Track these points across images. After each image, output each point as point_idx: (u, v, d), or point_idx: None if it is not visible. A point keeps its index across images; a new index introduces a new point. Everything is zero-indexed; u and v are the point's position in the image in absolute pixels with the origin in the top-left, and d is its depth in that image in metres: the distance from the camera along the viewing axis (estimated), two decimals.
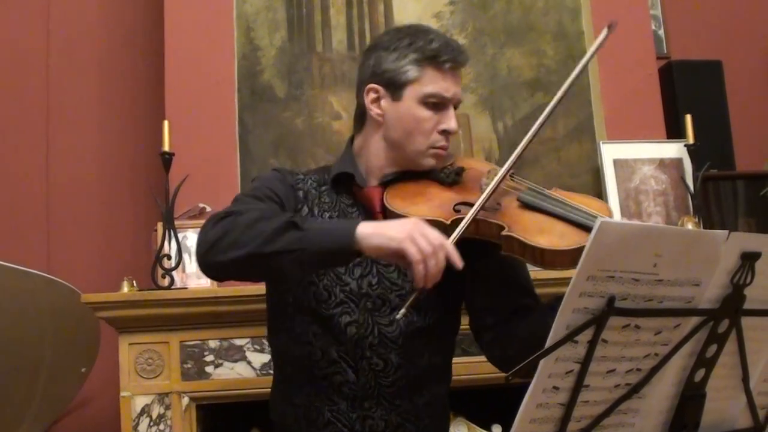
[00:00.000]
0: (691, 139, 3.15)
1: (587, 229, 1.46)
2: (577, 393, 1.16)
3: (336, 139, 3.19)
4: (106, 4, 3.56)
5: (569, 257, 1.46)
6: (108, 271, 3.16)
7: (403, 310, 1.43)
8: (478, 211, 1.51)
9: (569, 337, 1.12)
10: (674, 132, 3.35)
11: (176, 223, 2.79)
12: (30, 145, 3.44)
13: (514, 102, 3.33)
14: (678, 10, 3.86)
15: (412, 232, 1.40)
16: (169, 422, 2.68)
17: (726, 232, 1.17)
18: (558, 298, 1.54)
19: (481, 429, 2.87)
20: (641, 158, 3.26)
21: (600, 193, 3.26)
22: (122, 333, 2.71)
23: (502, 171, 1.56)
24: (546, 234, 1.48)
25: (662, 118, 3.34)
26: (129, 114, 3.48)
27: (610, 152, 3.25)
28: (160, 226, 2.86)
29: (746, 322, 1.25)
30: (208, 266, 1.52)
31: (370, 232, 1.41)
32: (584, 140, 3.32)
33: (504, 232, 1.49)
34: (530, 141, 1.62)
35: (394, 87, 1.64)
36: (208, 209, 2.92)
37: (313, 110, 3.17)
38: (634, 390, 1.21)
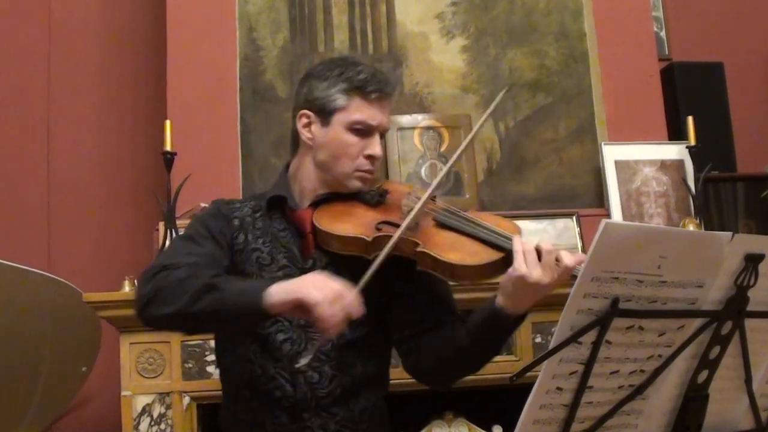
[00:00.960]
0: (692, 141, 3.15)
1: (494, 246, 1.60)
2: (581, 394, 1.16)
3: None
4: (108, 4, 3.56)
5: (477, 272, 1.60)
6: (109, 271, 3.16)
7: (305, 360, 1.55)
8: (404, 230, 1.62)
9: (573, 338, 1.13)
10: (675, 133, 3.35)
11: (178, 222, 2.79)
12: (31, 145, 3.44)
13: (516, 103, 3.33)
14: (680, 12, 3.87)
15: (315, 281, 1.50)
16: (170, 422, 2.68)
17: (730, 233, 1.17)
18: (468, 311, 1.66)
19: (481, 430, 2.87)
20: (642, 159, 3.26)
21: (601, 194, 3.26)
22: (123, 332, 2.71)
23: (424, 197, 1.68)
24: (457, 251, 1.61)
25: (663, 119, 3.34)
26: (131, 114, 3.48)
27: (612, 153, 3.25)
28: (161, 225, 2.87)
29: (749, 323, 1.25)
30: (145, 321, 1.65)
31: (276, 289, 1.51)
32: (586, 141, 3.32)
33: (418, 249, 1.61)
34: (450, 168, 1.77)
35: (324, 113, 1.76)
36: None
37: None
38: (638, 391, 1.21)
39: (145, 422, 2.68)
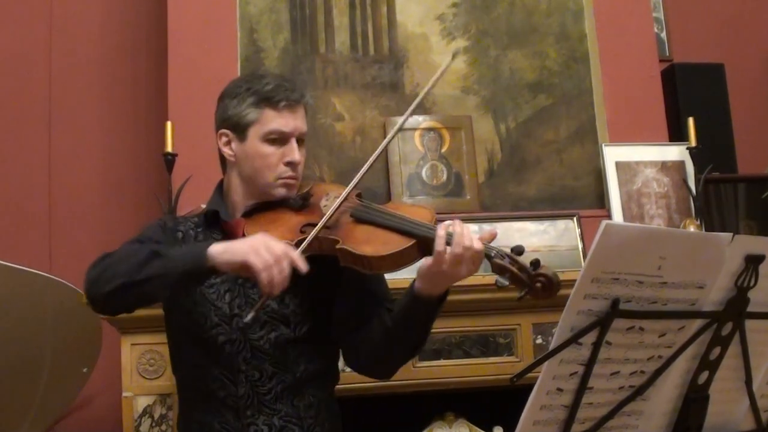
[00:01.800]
0: (693, 142, 3.16)
1: (406, 234, 1.66)
2: (581, 395, 1.17)
3: (338, 140, 3.20)
4: (109, 6, 3.56)
5: (390, 261, 1.65)
6: None
7: (251, 314, 1.64)
8: (319, 230, 1.71)
9: (574, 339, 1.13)
10: (676, 134, 3.35)
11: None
12: (32, 146, 3.44)
13: (517, 104, 3.33)
14: (680, 13, 3.87)
15: (256, 245, 1.59)
16: (170, 423, 2.68)
17: (730, 235, 1.17)
18: (394, 302, 1.74)
19: (482, 431, 2.87)
20: (643, 161, 3.26)
21: (602, 195, 3.26)
22: (124, 333, 2.71)
23: (341, 196, 1.77)
24: (371, 243, 1.68)
25: (664, 120, 3.34)
26: (132, 115, 3.48)
27: (613, 154, 3.25)
28: None
29: (750, 324, 1.25)
30: (93, 302, 1.74)
31: (220, 249, 1.62)
32: (586, 142, 3.32)
33: (337, 246, 1.69)
34: (365, 172, 1.80)
35: (239, 129, 1.84)
36: None
37: (315, 111, 3.17)
38: (638, 392, 1.22)
39: (146, 423, 2.68)
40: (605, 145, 3.26)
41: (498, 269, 1.55)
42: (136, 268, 1.65)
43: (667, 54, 3.78)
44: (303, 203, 1.85)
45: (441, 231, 1.58)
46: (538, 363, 1.15)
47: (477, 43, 3.35)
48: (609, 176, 3.23)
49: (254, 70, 1.99)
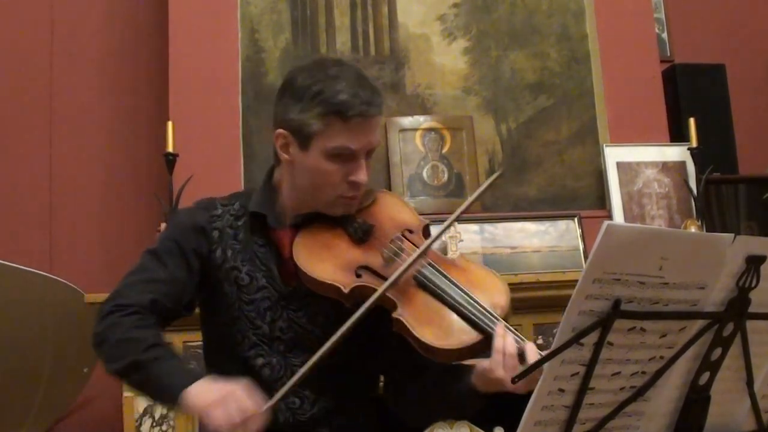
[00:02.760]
0: (694, 143, 3.16)
1: (475, 326, 1.50)
2: (583, 395, 1.16)
3: None
4: (110, 6, 3.56)
5: (452, 356, 1.50)
6: (111, 272, 3.14)
7: None
8: (380, 296, 1.52)
9: (575, 340, 1.13)
10: (677, 135, 3.35)
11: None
12: (33, 146, 3.44)
13: (518, 104, 3.33)
14: (681, 14, 3.87)
15: (226, 401, 1.42)
16: (171, 423, 2.68)
17: (731, 235, 1.17)
18: (455, 368, 1.57)
19: (482, 431, 2.86)
20: (644, 161, 3.26)
21: (603, 195, 3.27)
22: None
23: (412, 257, 1.55)
24: (434, 326, 1.51)
25: (665, 121, 3.35)
26: (133, 115, 3.48)
27: (614, 155, 3.25)
28: (163, 226, 2.86)
29: (751, 325, 1.25)
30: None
31: (195, 391, 1.45)
32: (587, 143, 3.32)
33: (395, 314, 1.51)
34: (448, 227, 1.64)
35: (301, 137, 1.60)
36: None
37: None
38: (639, 393, 1.21)
39: (146, 423, 2.68)
40: (606, 146, 3.27)
41: None
42: (122, 367, 1.53)
43: (668, 54, 3.78)
44: (363, 237, 1.64)
45: (499, 334, 1.45)
46: (540, 363, 1.14)
47: (478, 44, 3.35)
48: (610, 177, 3.23)
49: (323, 63, 1.67)
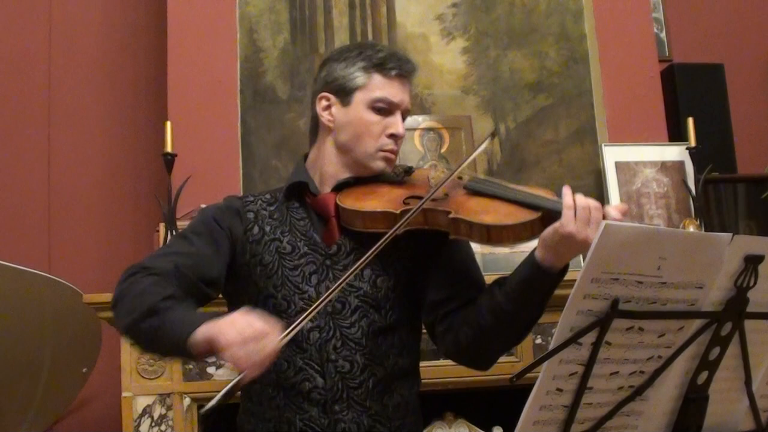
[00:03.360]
0: (692, 142, 3.16)
1: (529, 206, 1.54)
2: (581, 395, 1.17)
3: None
4: (108, 6, 3.56)
5: (514, 233, 1.52)
6: (110, 272, 3.13)
7: (210, 404, 1.41)
8: (426, 201, 1.59)
9: (573, 339, 1.13)
10: (676, 135, 3.35)
11: (178, 224, 2.79)
12: (32, 146, 3.44)
13: (516, 104, 3.33)
14: (680, 13, 3.87)
15: (235, 323, 1.41)
16: (170, 423, 2.68)
17: (730, 235, 1.17)
18: (498, 281, 1.58)
19: (481, 431, 2.87)
20: (643, 161, 3.26)
21: (602, 195, 3.26)
22: None
23: (457, 168, 1.66)
24: (491, 213, 1.55)
25: (664, 120, 3.35)
26: (131, 115, 3.48)
27: (612, 155, 3.25)
28: (162, 226, 2.87)
29: (749, 325, 1.25)
30: (114, 325, 1.65)
31: (203, 328, 1.43)
32: (586, 143, 3.32)
33: (450, 216, 1.56)
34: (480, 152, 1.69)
35: (344, 93, 1.73)
36: None
37: None
38: (638, 392, 1.22)
39: (145, 423, 2.68)
40: (605, 145, 3.26)
41: None
42: (137, 318, 1.52)
43: (667, 54, 3.78)
44: (405, 177, 1.73)
45: (582, 201, 1.46)
46: (538, 363, 1.15)
47: (477, 44, 3.35)
48: (608, 176, 3.23)
49: (364, 41, 1.84)
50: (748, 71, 3.84)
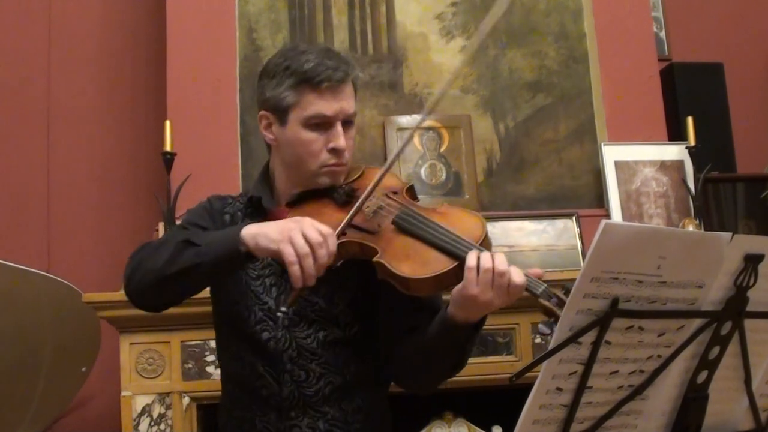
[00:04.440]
0: (692, 141, 3.16)
1: (449, 254, 1.51)
2: (581, 394, 1.16)
3: None
4: (107, 4, 3.56)
5: (429, 284, 1.50)
6: (109, 271, 3.16)
7: (283, 308, 1.51)
8: (346, 227, 1.57)
9: (573, 339, 1.13)
10: (675, 134, 3.35)
11: (177, 223, 2.79)
12: (31, 145, 3.44)
13: (516, 103, 3.33)
14: (679, 13, 3.87)
15: (291, 232, 1.47)
16: (169, 422, 2.68)
17: (729, 234, 1.17)
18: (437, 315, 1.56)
19: (481, 430, 2.87)
20: (642, 160, 3.26)
21: (601, 194, 3.26)
22: (123, 332, 2.71)
23: (367, 189, 1.62)
24: (411, 260, 1.53)
25: (663, 120, 3.34)
26: (131, 114, 3.48)
27: (612, 154, 3.25)
28: (161, 225, 2.87)
29: (749, 324, 1.25)
30: (130, 297, 1.63)
31: (253, 232, 1.50)
32: (585, 142, 3.32)
33: (375, 258, 1.54)
34: (394, 161, 1.70)
35: (280, 112, 1.67)
36: None
37: None
38: (637, 391, 1.21)
39: (144, 422, 2.68)
40: (604, 145, 3.26)
41: (545, 311, 1.42)
42: (167, 262, 1.53)
43: (666, 53, 3.78)
44: (347, 199, 1.68)
45: (472, 253, 1.45)
46: (538, 362, 1.14)
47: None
48: (608, 175, 3.23)
49: (295, 44, 1.79)
50: (747, 70, 3.84)
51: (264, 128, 1.72)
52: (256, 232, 1.50)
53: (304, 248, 1.45)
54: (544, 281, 1.47)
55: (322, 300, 1.66)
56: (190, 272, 1.53)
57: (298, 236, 1.46)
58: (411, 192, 1.73)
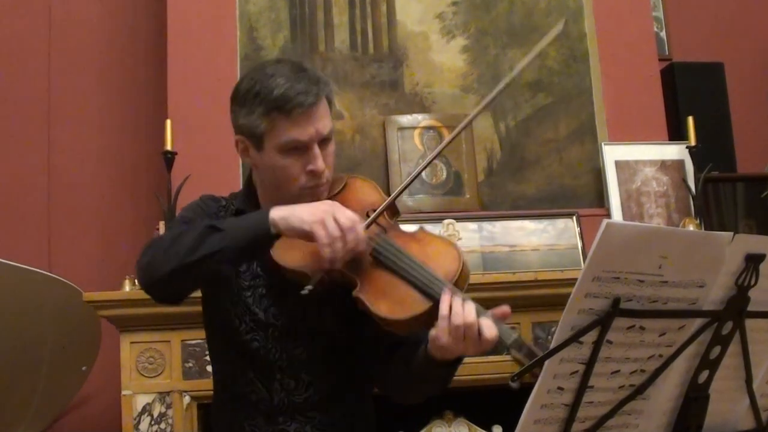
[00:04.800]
0: (692, 141, 3.16)
1: (424, 293, 1.51)
2: (582, 394, 1.17)
3: (337, 139, 3.18)
4: (108, 4, 3.56)
5: (406, 327, 1.52)
6: (109, 270, 3.16)
7: (307, 289, 1.51)
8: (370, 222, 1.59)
9: (574, 338, 1.13)
10: (676, 134, 3.35)
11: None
12: (32, 144, 3.44)
13: (516, 103, 3.33)
14: (680, 12, 3.87)
15: (323, 215, 1.49)
16: (170, 421, 2.68)
17: (730, 234, 1.17)
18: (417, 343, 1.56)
19: (481, 430, 2.87)
20: (643, 160, 3.26)
21: (601, 194, 3.26)
22: (123, 332, 2.71)
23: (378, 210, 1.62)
24: (388, 299, 1.53)
25: (664, 119, 3.35)
26: (131, 113, 3.48)
27: (612, 153, 3.25)
28: (162, 225, 2.87)
29: (750, 324, 1.25)
30: (149, 289, 1.59)
31: (284, 214, 1.51)
32: (586, 141, 3.32)
33: (354, 293, 1.55)
34: (397, 195, 1.67)
35: (254, 138, 1.65)
36: None
37: None
38: (638, 391, 1.22)
39: (145, 421, 2.68)
40: (605, 144, 3.26)
41: (515, 361, 1.41)
42: (192, 247, 1.51)
43: (667, 53, 3.78)
44: None
45: (445, 299, 1.45)
46: (539, 361, 1.14)
47: (476, 42, 3.35)
48: (608, 175, 3.23)
49: (263, 64, 1.72)
50: (748, 70, 3.84)
51: (241, 152, 1.70)
52: (287, 214, 1.51)
53: (336, 231, 1.48)
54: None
55: (311, 311, 1.67)
56: (215, 257, 1.51)
57: (330, 219, 1.49)
58: (393, 209, 1.70)
